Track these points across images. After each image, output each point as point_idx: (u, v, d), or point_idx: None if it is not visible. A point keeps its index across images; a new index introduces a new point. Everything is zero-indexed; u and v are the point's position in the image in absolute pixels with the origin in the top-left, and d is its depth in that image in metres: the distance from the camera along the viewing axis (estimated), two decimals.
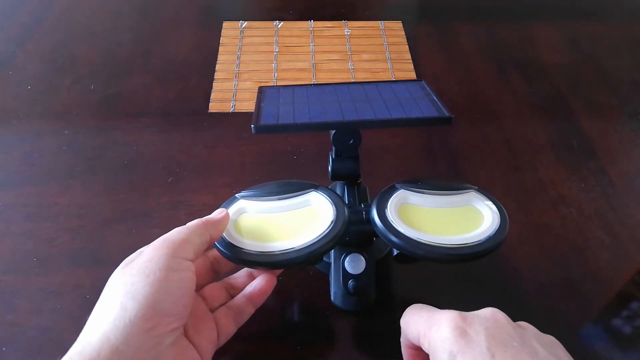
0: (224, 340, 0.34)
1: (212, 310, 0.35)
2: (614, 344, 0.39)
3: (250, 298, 0.36)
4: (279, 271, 0.38)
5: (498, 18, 0.76)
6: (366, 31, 0.72)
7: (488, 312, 0.27)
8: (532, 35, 0.72)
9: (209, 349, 0.33)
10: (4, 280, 0.42)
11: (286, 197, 0.37)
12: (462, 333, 0.25)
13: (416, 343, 0.29)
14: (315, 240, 0.34)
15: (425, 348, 0.27)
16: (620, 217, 0.48)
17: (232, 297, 0.36)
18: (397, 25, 0.73)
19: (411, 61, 0.67)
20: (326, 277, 0.41)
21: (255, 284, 0.36)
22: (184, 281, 0.30)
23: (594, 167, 0.53)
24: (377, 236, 0.35)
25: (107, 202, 0.49)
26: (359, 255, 0.38)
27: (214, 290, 0.36)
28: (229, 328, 0.35)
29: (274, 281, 0.37)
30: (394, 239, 0.33)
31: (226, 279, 0.38)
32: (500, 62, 0.67)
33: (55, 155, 0.53)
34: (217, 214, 0.35)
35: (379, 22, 0.74)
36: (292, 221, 0.36)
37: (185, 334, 0.31)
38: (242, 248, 0.34)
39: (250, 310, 0.36)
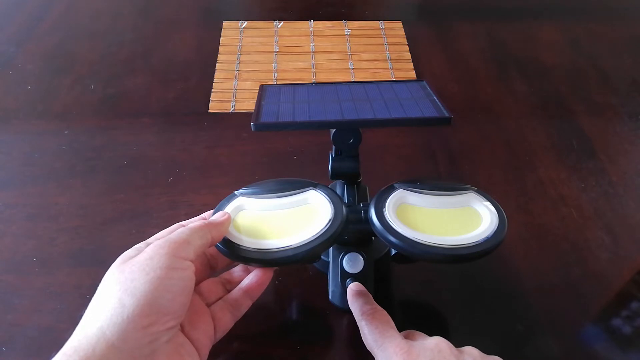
0: (221, 334, 0.34)
1: (209, 305, 0.35)
2: (614, 344, 0.39)
3: (247, 291, 0.36)
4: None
5: (498, 18, 0.76)
6: (366, 31, 0.72)
7: (433, 343, 0.30)
8: (532, 35, 0.72)
9: (206, 343, 0.33)
10: (4, 280, 0.42)
11: (285, 195, 0.37)
12: None
13: (367, 348, 0.33)
14: (313, 238, 0.34)
15: None
16: (620, 217, 0.48)
17: (229, 291, 0.37)
18: (397, 25, 0.73)
19: (411, 61, 0.67)
20: (325, 277, 0.41)
21: (252, 277, 0.36)
22: (183, 280, 0.30)
23: (594, 167, 0.53)
24: (375, 235, 0.35)
25: (107, 202, 0.49)
26: (358, 254, 0.38)
27: (211, 286, 0.36)
28: (226, 322, 0.35)
29: (271, 274, 0.37)
30: (391, 238, 0.33)
31: (222, 275, 0.38)
32: (500, 62, 0.67)
33: (55, 155, 0.53)
34: (220, 216, 0.35)
35: (379, 22, 0.74)
36: (290, 219, 0.36)
37: (182, 329, 0.31)
38: (240, 245, 0.34)
39: (247, 304, 0.36)
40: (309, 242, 0.33)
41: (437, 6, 0.78)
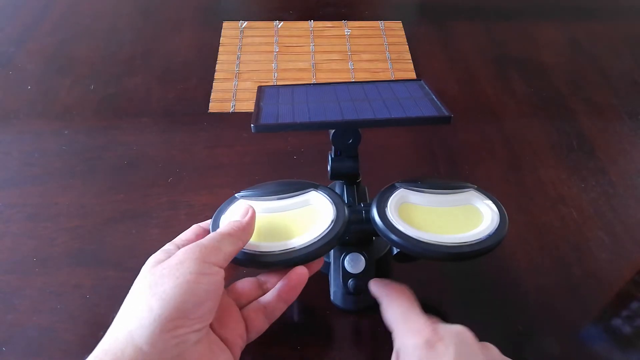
0: (254, 335, 0.34)
1: (243, 306, 0.35)
2: (614, 344, 0.39)
3: (280, 294, 0.35)
4: (317, 266, 0.37)
5: (498, 18, 0.76)
6: (366, 31, 0.72)
7: (458, 329, 0.30)
8: (532, 35, 0.72)
9: (237, 342, 0.33)
10: (4, 280, 0.42)
11: (286, 196, 0.37)
12: (432, 346, 0.29)
13: (387, 322, 0.33)
14: (316, 239, 0.34)
15: (396, 346, 0.31)
16: (620, 217, 0.48)
17: (264, 291, 0.36)
18: (397, 25, 0.73)
19: (411, 61, 0.67)
20: (326, 277, 0.41)
21: (286, 280, 0.35)
22: (211, 285, 0.30)
23: (594, 167, 0.53)
24: (376, 235, 0.35)
25: (107, 202, 0.49)
26: (359, 254, 0.38)
27: (245, 285, 0.36)
28: (260, 324, 0.34)
29: (305, 277, 0.35)
30: (394, 237, 0.33)
31: (260, 275, 0.37)
32: (500, 62, 0.67)
33: (55, 155, 0.53)
34: (244, 215, 0.34)
35: (379, 22, 0.74)
36: (292, 221, 0.36)
37: (212, 328, 0.32)
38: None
39: (281, 307, 0.35)
40: (312, 244, 0.33)
41: (437, 6, 0.78)
